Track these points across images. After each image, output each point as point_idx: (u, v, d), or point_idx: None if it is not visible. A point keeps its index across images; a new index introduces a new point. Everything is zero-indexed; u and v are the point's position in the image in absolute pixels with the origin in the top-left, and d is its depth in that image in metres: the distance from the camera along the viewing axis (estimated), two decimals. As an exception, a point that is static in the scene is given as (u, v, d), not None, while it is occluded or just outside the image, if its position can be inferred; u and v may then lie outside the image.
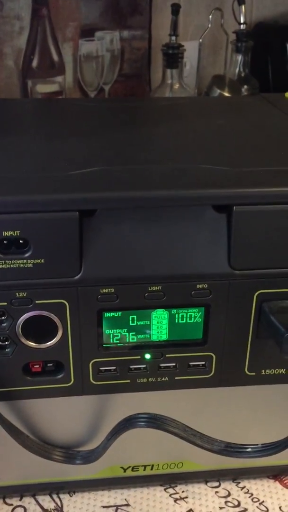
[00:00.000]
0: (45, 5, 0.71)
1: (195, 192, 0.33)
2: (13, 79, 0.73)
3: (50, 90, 0.76)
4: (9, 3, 0.68)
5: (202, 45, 0.85)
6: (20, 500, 0.41)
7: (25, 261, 0.32)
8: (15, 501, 0.41)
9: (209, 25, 0.81)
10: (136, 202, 0.33)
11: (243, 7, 0.79)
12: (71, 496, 0.42)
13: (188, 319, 0.36)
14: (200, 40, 0.83)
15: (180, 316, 0.35)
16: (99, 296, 0.34)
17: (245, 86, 0.83)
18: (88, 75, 0.79)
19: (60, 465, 0.38)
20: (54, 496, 0.42)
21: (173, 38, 0.76)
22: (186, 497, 0.42)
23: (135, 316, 0.35)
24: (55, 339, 0.35)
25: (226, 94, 0.81)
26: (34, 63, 0.73)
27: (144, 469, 0.41)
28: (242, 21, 0.80)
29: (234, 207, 0.33)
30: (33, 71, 0.73)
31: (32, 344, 0.35)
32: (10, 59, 0.72)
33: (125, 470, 0.41)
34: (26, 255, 0.32)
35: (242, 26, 0.81)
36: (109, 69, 0.81)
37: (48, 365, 0.36)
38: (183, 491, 0.42)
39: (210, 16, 0.81)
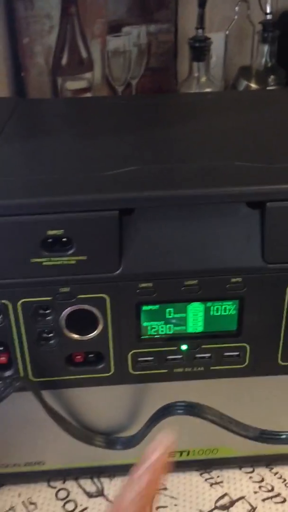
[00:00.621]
0: (74, 3, 0.72)
1: (228, 190, 0.34)
2: (43, 76, 0.75)
3: (79, 86, 0.77)
4: (39, 2, 0.70)
5: (228, 36, 0.85)
6: (63, 483, 0.44)
7: (68, 258, 0.34)
8: (59, 484, 0.43)
9: (236, 17, 0.81)
10: (173, 200, 0.34)
11: (269, -3, 0.79)
12: (111, 480, 0.44)
13: (222, 311, 0.37)
14: (227, 32, 0.83)
15: (215, 309, 0.37)
16: (137, 290, 0.35)
17: (272, 76, 0.83)
18: (116, 70, 0.80)
19: (101, 450, 0.40)
20: (95, 480, 0.44)
21: (200, 31, 0.77)
22: (221, 482, 0.43)
23: (171, 309, 0.37)
24: (96, 331, 0.37)
25: (253, 85, 0.81)
26: (64, 60, 0.75)
27: (181, 455, 0.43)
28: (268, 11, 0.80)
29: (267, 203, 0.34)
30: (63, 68, 0.75)
31: (74, 336, 0.37)
32: (41, 57, 0.74)
33: (162, 456, 0.43)
34: (69, 252, 0.34)
35: (268, 16, 0.81)
36: (136, 64, 0.82)
37: (90, 356, 0.38)
38: (218, 476, 0.44)
39: (237, 8, 0.81)
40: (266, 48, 0.83)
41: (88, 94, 0.79)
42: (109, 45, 0.78)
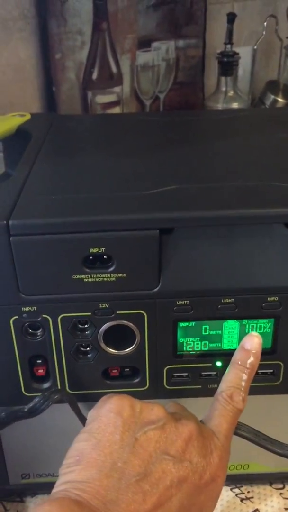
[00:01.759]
0: (105, 20, 0.73)
1: (266, 211, 0.34)
2: (74, 91, 0.76)
3: (108, 100, 0.79)
4: (71, 19, 0.71)
5: (256, 51, 0.86)
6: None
7: (108, 275, 0.35)
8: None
9: (264, 32, 0.82)
10: (211, 221, 0.35)
11: (298, 12, 0.79)
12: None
13: (258, 329, 0.37)
14: (255, 47, 0.84)
15: (250, 327, 0.37)
16: (175, 308, 0.36)
17: (299, 91, 0.83)
18: (144, 84, 0.82)
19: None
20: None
21: (228, 46, 0.78)
22: (252, 497, 0.44)
23: (207, 326, 0.37)
24: (133, 346, 0.37)
25: (280, 99, 0.82)
26: (94, 75, 0.76)
27: (212, 469, 0.43)
28: (296, 26, 0.81)
29: (305, 224, 0.34)
30: (93, 83, 0.76)
31: (111, 350, 0.37)
32: (72, 72, 0.75)
33: (193, 470, 0.43)
34: (110, 269, 0.35)
35: (296, 31, 0.81)
36: (164, 78, 0.83)
37: (125, 370, 0.39)
38: (248, 492, 0.44)
39: (265, 23, 0.81)
40: (293, 62, 0.84)
41: (117, 108, 0.80)
42: (138, 60, 0.79)
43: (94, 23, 0.73)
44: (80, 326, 0.37)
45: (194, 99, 0.85)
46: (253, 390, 0.39)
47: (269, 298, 0.36)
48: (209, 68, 0.86)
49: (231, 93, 0.81)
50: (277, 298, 0.36)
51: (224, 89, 0.81)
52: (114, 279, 0.35)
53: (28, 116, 0.52)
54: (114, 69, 0.77)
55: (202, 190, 0.37)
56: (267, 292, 0.36)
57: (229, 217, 0.35)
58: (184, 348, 0.38)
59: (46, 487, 0.43)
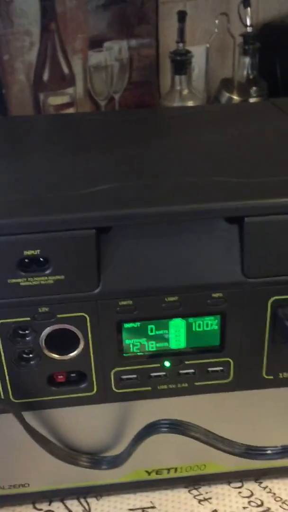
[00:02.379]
0: (54, 20, 0.72)
1: (206, 206, 0.34)
2: (25, 93, 0.75)
3: (61, 101, 0.78)
4: (19, 19, 0.70)
5: (210, 49, 0.86)
6: (49, 505, 0.43)
7: (46, 278, 0.34)
8: (44, 506, 0.43)
9: (216, 30, 0.82)
10: (150, 217, 0.34)
11: (248, 9, 0.80)
12: (98, 500, 0.43)
13: (205, 327, 0.37)
14: (208, 45, 0.84)
15: (197, 324, 0.37)
16: (118, 308, 0.35)
17: (254, 88, 0.84)
18: (98, 85, 0.81)
19: (86, 470, 0.40)
20: (82, 500, 0.43)
21: (180, 44, 0.77)
22: (210, 498, 0.43)
23: (153, 326, 0.36)
24: (77, 350, 0.36)
25: (235, 97, 0.82)
26: (45, 76, 0.75)
27: (168, 472, 0.43)
28: (248, 23, 0.81)
29: (245, 218, 0.34)
30: (45, 84, 0.75)
31: (55, 356, 0.36)
32: (22, 74, 0.74)
33: (149, 474, 0.42)
34: (47, 272, 0.33)
35: (248, 28, 0.81)
36: (118, 78, 0.82)
37: (72, 375, 0.37)
38: (206, 492, 0.43)
39: (217, 21, 0.81)
40: (247, 60, 0.84)
41: (71, 109, 0.79)
42: (90, 60, 0.79)
43: (43, 24, 0.72)
44: (20, 332, 0.35)
45: (149, 98, 0.85)
46: (204, 389, 0.39)
47: (214, 295, 0.35)
48: (163, 67, 0.85)
49: (185, 91, 0.81)
50: (221, 294, 0.35)
51: (178, 88, 0.80)
52: (52, 281, 0.34)
53: None
54: (65, 69, 0.76)
55: (141, 187, 0.36)
56: (211, 289, 0.35)
57: (168, 213, 0.34)
58: (131, 350, 0.37)
59: (-4, 501, 0.42)
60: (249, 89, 0.83)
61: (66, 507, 0.43)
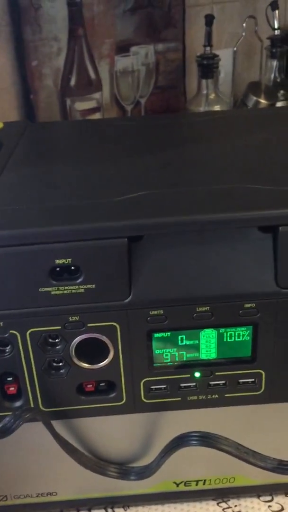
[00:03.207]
0: (81, 25, 0.72)
1: (239, 215, 0.33)
2: (52, 98, 0.75)
3: (88, 107, 0.78)
4: (47, 25, 0.70)
5: (237, 53, 0.85)
6: (77, 514, 0.43)
7: (77, 287, 0.33)
8: (72, 515, 0.42)
9: (243, 33, 0.81)
10: (182, 226, 0.33)
11: (276, 12, 0.79)
12: (125, 510, 0.43)
13: (236, 337, 0.36)
14: (235, 49, 0.83)
15: (228, 335, 0.36)
16: (148, 318, 0.35)
17: (281, 92, 0.82)
18: (125, 90, 0.81)
19: (114, 480, 0.39)
20: (109, 510, 0.43)
21: (207, 48, 0.77)
22: (239, 511, 0.42)
23: (184, 336, 0.36)
24: (107, 360, 0.36)
25: (262, 100, 0.81)
26: (72, 81, 0.75)
27: (197, 484, 0.42)
28: (276, 26, 0.80)
29: (280, 227, 0.33)
30: (71, 89, 0.75)
31: (85, 365, 0.36)
32: (49, 79, 0.74)
33: (177, 485, 0.42)
34: (78, 281, 0.33)
35: (276, 31, 0.80)
36: (144, 83, 0.82)
37: (101, 384, 0.37)
38: (235, 506, 0.43)
39: (244, 24, 0.81)
40: (274, 63, 0.83)
41: (98, 114, 0.79)
42: (117, 65, 0.78)
43: (70, 29, 0.72)
44: (50, 340, 0.35)
45: (176, 103, 0.84)
46: (235, 401, 0.38)
47: (246, 305, 0.35)
48: (190, 71, 0.85)
49: (212, 95, 0.80)
50: (254, 304, 0.35)
51: (205, 92, 0.80)
52: (83, 290, 0.33)
53: (0, 125, 0.51)
54: (92, 75, 0.76)
55: (173, 195, 0.36)
56: (243, 299, 0.35)
57: (200, 222, 0.33)
58: (161, 360, 0.36)
59: (25, 508, 0.42)
60: (276, 93, 0.82)
61: (94, 517, 0.42)
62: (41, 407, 0.37)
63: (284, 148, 0.44)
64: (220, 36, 0.86)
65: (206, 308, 0.35)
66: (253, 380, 0.37)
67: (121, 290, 0.34)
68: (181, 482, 0.42)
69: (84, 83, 0.76)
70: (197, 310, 0.35)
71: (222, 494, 0.43)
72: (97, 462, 0.39)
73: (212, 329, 0.36)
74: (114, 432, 0.39)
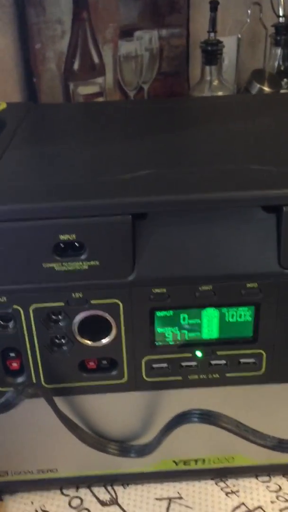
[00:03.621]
0: (86, 8, 0.72)
1: (244, 194, 0.33)
2: (55, 81, 0.75)
3: (91, 91, 0.77)
4: (51, 8, 0.70)
5: (241, 40, 0.84)
6: (77, 491, 0.43)
7: (81, 263, 0.33)
8: (71, 492, 0.43)
9: (248, 20, 0.81)
10: (186, 205, 0.33)
11: (282, 0, 0.78)
12: (125, 488, 0.43)
13: (238, 317, 0.36)
14: (239, 35, 0.83)
15: (230, 315, 0.36)
16: (151, 296, 0.35)
17: (285, 80, 0.82)
18: (128, 75, 0.80)
19: (114, 458, 0.40)
20: (109, 488, 0.43)
21: (212, 34, 0.76)
22: (238, 491, 0.43)
23: (186, 315, 0.36)
24: (109, 337, 0.36)
25: (266, 88, 0.81)
26: (76, 65, 0.75)
27: (196, 463, 0.42)
28: (281, 14, 0.80)
29: (284, 207, 0.33)
30: (75, 73, 0.75)
31: (87, 342, 0.36)
32: (53, 63, 0.74)
33: (177, 464, 0.42)
34: (82, 257, 0.33)
35: (280, 19, 0.80)
36: (148, 68, 0.81)
37: (103, 362, 0.37)
38: (234, 485, 0.43)
39: (249, 11, 0.80)
40: (279, 51, 0.82)
41: (100, 99, 0.79)
42: (121, 50, 0.78)
43: (74, 12, 0.72)
44: (53, 317, 0.35)
45: (179, 89, 0.84)
46: (236, 381, 0.38)
47: (248, 285, 0.35)
48: (194, 57, 0.84)
49: (216, 82, 0.80)
50: (256, 284, 0.35)
51: (208, 78, 0.79)
52: (86, 267, 0.34)
53: (3, 105, 0.51)
54: (96, 59, 0.76)
55: (177, 174, 0.36)
56: (246, 279, 0.35)
57: (204, 200, 0.33)
58: (163, 338, 0.37)
59: (25, 485, 0.43)
60: (280, 81, 0.82)
61: (93, 494, 0.43)
62: (43, 383, 0.37)
63: (285, 131, 0.44)
64: (224, 23, 0.85)
65: (208, 287, 0.35)
66: (254, 360, 0.38)
67: (125, 267, 0.34)
68: (181, 461, 0.42)
69: (87, 67, 0.76)
70: (200, 289, 0.35)
71: (220, 474, 0.43)
72: (97, 439, 0.39)
73: (214, 308, 0.36)
74: (115, 409, 0.39)
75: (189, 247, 0.34)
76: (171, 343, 0.37)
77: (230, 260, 0.35)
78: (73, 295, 0.34)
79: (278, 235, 0.34)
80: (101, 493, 0.43)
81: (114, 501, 0.42)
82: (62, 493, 0.43)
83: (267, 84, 0.81)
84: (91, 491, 0.43)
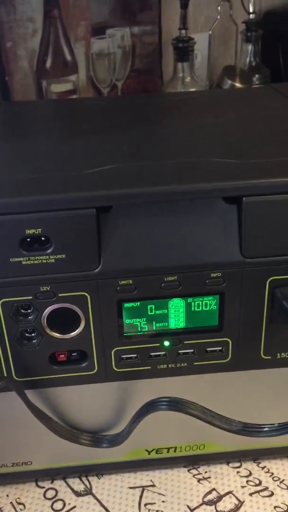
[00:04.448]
0: (56, 6, 0.72)
1: (205, 186, 0.34)
2: (28, 80, 0.75)
3: (64, 89, 0.78)
4: (21, 6, 0.70)
5: (212, 37, 0.86)
6: (51, 483, 0.44)
7: (47, 257, 0.34)
8: (47, 484, 0.44)
9: (218, 17, 0.82)
10: (150, 197, 0.34)
11: (251, -4, 0.80)
12: (99, 479, 0.44)
13: (203, 307, 0.37)
14: (210, 32, 0.84)
15: (196, 304, 0.37)
16: (118, 288, 0.36)
17: (256, 75, 0.84)
18: (101, 73, 0.81)
19: (88, 449, 0.40)
20: (84, 479, 0.44)
21: (183, 31, 0.77)
22: (209, 477, 0.44)
23: (153, 306, 0.37)
24: (78, 329, 0.37)
25: (238, 84, 0.82)
26: (48, 63, 0.75)
27: (168, 451, 0.43)
28: (251, 10, 0.81)
29: (244, 198, 0.34)
30: (47, 71, 0.75)
31: (57, 335, 0.37)
32: (25, 61, 0.74)
33: (149, 453, 0.43)
34: (48, 251, 0.34)
35: (251, 15, 0.81)
36: (121, 65, 0.82)
37: (73, 354, 0.38)
38: (205, 472, 0.44)
39: (219, 8, 0.81)
40: (250, 47, 0.84)
41: (74, 97, 0.79)
42: (93, 47, 0.79)
43: (45, 10, 0.72)
44: (22, 310, 0.36)
45: (152, 86, 0.85)
46: (203, 369, 0.39)
47: (212, 274, 0.36)
48: (166, 54, 0.85)
49: (188, 79, 0.81)
50: (220, 274, 0.36)
51: (181, 75, 0.80)
52: (53, 260, 0.34)
53: (-27, 103, 0.51)
54: (68, 57, 0.77)
55: (141, 167, 0.37)
56: (210, 268, 0.36)
57: (167, 192, 0.34)
58: (131, 329, 0.38)
59: (0, 478, 0.43)
60: (251, 76, 0.83)
61: (68, 485, 0.43)
62: (14, 376, 0.38)
63: (252, 125, 0.45)
64: (196, 20, 0.86)
65: (173, 278, 0.36)
66: (220, 348, 0.39)
67: (91, 260, 0.35)
68: (153, 450, 0.43)
69: (59, 65, 0.76)
70: (165, 279, 0.36)
71: (192, 461, 0.44)
72: (70, 430, 0.40)
73: (180, 298, 0.37)
74: (86, 401, 0.40)
75: (154, 239, 0.35)
76: (139, 333, 0.38)
77: (194, 251, 0.35)
78: (41, 288, 0.35)
79: (239, 225, 0.35)
80: (76, 483, 0.43)
81: (89, 491, 0.43)
82: (37, 485, 0.43)
83: (238, 80, 0.82)
84: (66, 482, 0.44)
